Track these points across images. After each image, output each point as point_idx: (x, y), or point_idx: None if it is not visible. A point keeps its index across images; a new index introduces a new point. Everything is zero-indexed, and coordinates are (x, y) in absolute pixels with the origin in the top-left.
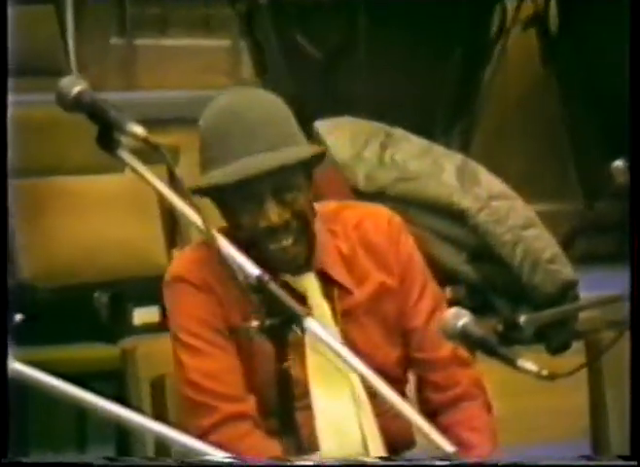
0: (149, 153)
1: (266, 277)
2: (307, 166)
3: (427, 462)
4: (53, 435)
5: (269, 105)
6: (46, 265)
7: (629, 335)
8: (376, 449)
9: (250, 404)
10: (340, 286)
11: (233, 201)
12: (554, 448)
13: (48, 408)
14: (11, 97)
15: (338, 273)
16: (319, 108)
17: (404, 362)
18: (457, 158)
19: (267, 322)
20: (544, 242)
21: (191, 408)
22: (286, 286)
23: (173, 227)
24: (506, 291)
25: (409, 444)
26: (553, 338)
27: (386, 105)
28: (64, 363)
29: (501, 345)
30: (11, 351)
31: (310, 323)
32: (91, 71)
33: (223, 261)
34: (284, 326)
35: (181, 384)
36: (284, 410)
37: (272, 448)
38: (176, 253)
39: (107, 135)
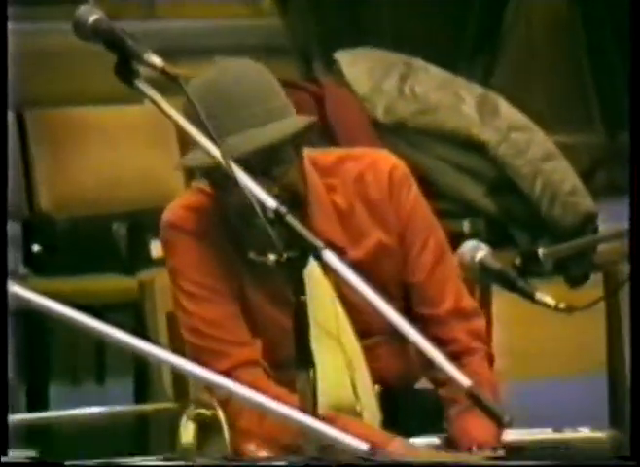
0: (167, 84)
1: (284, 210)
2: (297, 137)
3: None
4: (72, 367)
5: (253, 78)
6: (64, 196)
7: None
8: (372, 416)
9: (257, 350)
10: (336, 248)
11: (220, 181)
12: (572, 382)
13: (67, 340)
14: (28, 26)
15: (332, 233)
16: (340, 39)
17: (403, 315)
18: (477, 90)
19: (285, 255)
20: (563, 174)
21: (198, 355)
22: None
23: None
24: (525, 223)
25: (415, 380)
26: (572, 270)
27: (409, 36)
28: (82, 294)
29: (519, 278)
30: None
31: (328, 255)
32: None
33: (217, 204)
34: (302, 258)
35: (184, 331)
36: (301, 343)
37: (286, 395)
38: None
39: (125, 65)
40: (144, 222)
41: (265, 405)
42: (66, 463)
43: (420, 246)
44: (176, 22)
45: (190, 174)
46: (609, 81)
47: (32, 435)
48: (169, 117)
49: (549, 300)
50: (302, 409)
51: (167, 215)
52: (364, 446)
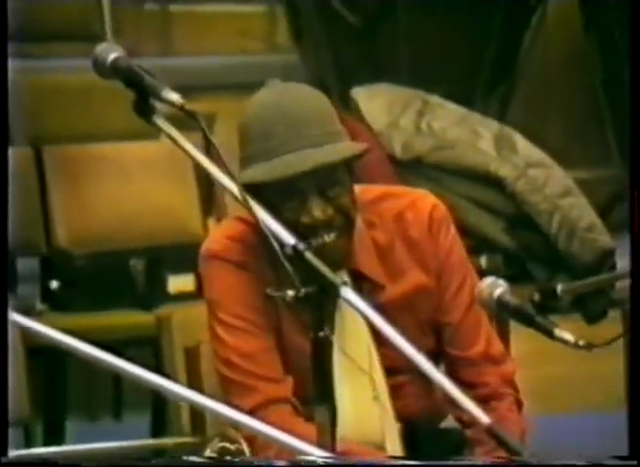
0: (185, 120)
1: (302, 246)
2: (350, 163)
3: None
4: (90, 401)
5: (313, 101)
6: (82, 231)
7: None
8: (395, 451)
9: (289, 386)
10: (372, 282)
11: (274, 198)
12: (592, 417)
13: (85, 375)
14: (46, 62)
15: (371, 269)
16: (356, 75)
17: (436, 354)
18: (494, 125)
19: (303, 291)
20: (581, 211)
21: (228, 387)
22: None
23: (209, 194)
24: (543, 259)
25: (440, 419)
26: (591, 306)
27: (425, 72)
28: (100, 329)
29: (538, 315)
30: (11, 303)
31: (346, 292)
32: (127, 37)
33: (259, 235)
34: (320, 294)
35: (217, 362)
36: (320, 378)
37: (312, 433)
38: (212, 226)
39: (143, 102)
40: (162, 257)
41: (285, 442)
42: (65, 464)
43: (457, 287)
44: (192, 59)
45: (207, 211)
46: (626, 113)
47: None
48: (187, 153)
49: (568, 336)
50: (320, 444)
51: (209, 244)
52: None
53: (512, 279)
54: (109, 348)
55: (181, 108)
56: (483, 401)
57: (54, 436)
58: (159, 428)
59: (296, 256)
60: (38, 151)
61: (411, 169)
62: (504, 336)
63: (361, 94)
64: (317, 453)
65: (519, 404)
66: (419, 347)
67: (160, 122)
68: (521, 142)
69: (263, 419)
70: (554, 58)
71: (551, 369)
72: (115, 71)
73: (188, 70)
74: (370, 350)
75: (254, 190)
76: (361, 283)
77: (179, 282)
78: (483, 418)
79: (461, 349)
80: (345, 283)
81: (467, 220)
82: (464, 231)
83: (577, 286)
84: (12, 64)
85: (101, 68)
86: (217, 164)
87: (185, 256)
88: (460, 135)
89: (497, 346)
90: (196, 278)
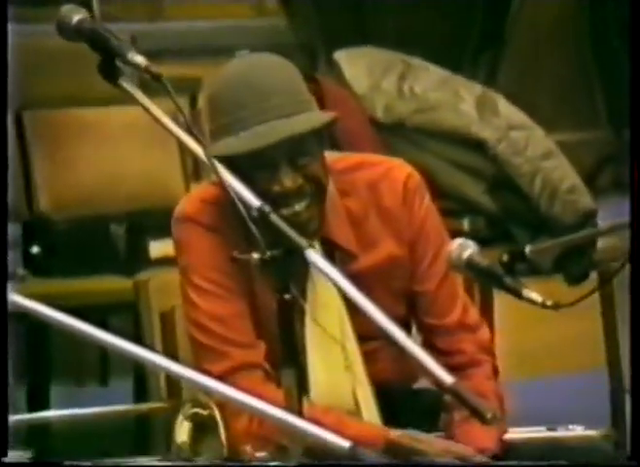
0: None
1: (268, 208)
2: (320, 132)
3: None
4: (76, 367)
5: (282, 71)
6: (63, 196)
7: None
8: (371, 417)
9: (260, 352)
10: (344, 251)
11: (245, 168)
12: (574, 379)
13: (71, 340)
14: (27, 27)
15: (343, 238)
16: (343, 40)
17: (407, 322)
18: (477, 88)
19: (269, 253)
20: (563, 172)
21: (200, 351)
22: None
23: (194, 160)
24: (525, 221)
25: (413, 381)
26: (572, 268)
27: (411, 37)
28: (80, 295)
29: (507, 276)
30: (10, 284)
31: (311, 254)
32: (116, 1)
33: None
34: (285, 257)
35: (190, 326)
36: (287, 341)
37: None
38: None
39: (109, 64)
40: (143, 223)
41: (255, 408)
42: (65, 463)
43: (432, 256)
44: (182, 23)
45: (188, 176)
46: (615, 77)
47: (31, 436)
48: (153, 116)
49: (535, 296)
50: (287, 407)
51: (182, 207)
52: (346, 443)
53: (493, 242)
54: (89, 314)
55: (146, 70)
56: (460, 368)
57: (38, 401)
58: (141, 393)
59: (261, 218)
60: (19, 116)
61: (394, 132)
62: (487, 302)
63: (343, 58)
64: (285, 417)
65: (496, 371)
66: (391, 316)
67: (127, 84)
68: (503, 105)
69: (233, 385)
70: (543, 23)
71: (534, 333)
72: (79, 33)
73: (177, 34)
74: (342, 318)
75: (225, 160)
76: (333, 252)
77: (160, 247)
78: (446, 378)
79: (437, 318)
80: (311, 245)
81: (449, 182)
82: (446, 193)
83: (545, 247)
84: None
85: (65, 30)
86: (223, 119)
87: (166, 221)
88: (442, 98)
89: (472, 314)
90: None
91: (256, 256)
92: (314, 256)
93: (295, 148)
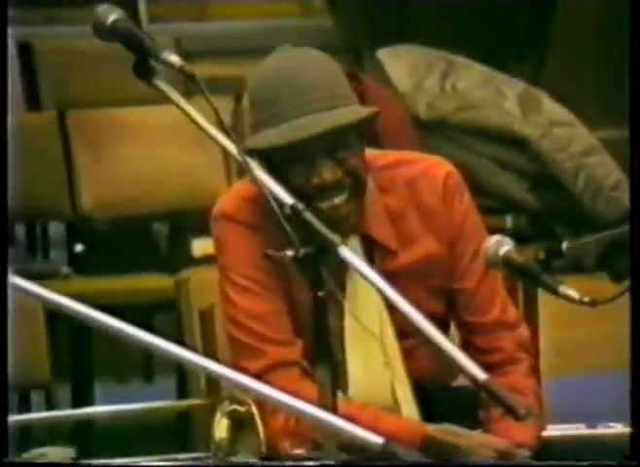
0: (218, 85)
1: (301, 206)
2: (361, 127)
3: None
4: (120, 364)
5: (322, 65)
6: (106, 196)
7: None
8: (409, 413)
9: (298, 349)
10: (383, 248)
11: (284, 162)
12: (603, 379)
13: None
14: (70, 28)
15: (383, 234)
16: (387, 39)
17: (444, 321)
18: (519, 85)
19: (302, 251)
20: (606, 169)
21: (238, 349)
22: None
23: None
24: (568, 219)
25: (451, 379)
26: (616, 265)
27: (456, 36)
28: (124, 293)
29: (543, 273)
30: (10, 267)
31: (345, 252)
32: (162, 2)
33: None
34: (319, 255)
35: (228, 324)
36: (320, 337)
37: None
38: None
39: (143, 64)
40: (185, 221)
41: (288, 405)
42: (68, 464)
43: (472, 254)
44: (228, 23)
45: (231, 175)
46: None
47: (75, 433)
48: (187, 115)
49: (572, 293)
50: (321, 404)
51: (221, 204)
52: (379, 439)
53: (536, 239)
54: (132, 312)
55: (180, 70)
56: (499, 366)
57: (82, 399)
58: (183, 391)
59: (295, 216)
60: (62, 115)
61: (436, 130)
62: (532, 301)
63: (386, 56)
64: (318, 414)
65: (534, 369)
66: (429, 313)
67: (161, 84)
68: (546, 101)
69: (270, 382)
70: (587, 20)
71: (578, 331)
72: (114, 33)
73: (222, 34)
74: (381, 315)
75: (265, 155)
76: (372, 249)
77: (202, 245)
78: (479, 375)
79: (476, 316)
80: (344, 242)
81: (491, 180)
82: (488, 191)
83: (581, 243)
84: (38, 30)
85: (100, 30)
86: (263, 112)
87: (208, 220)
88: (484, 95)
89: (512, 312)
90: None
91: (290, 253)
92: (347, 253)
93: (335, 141)
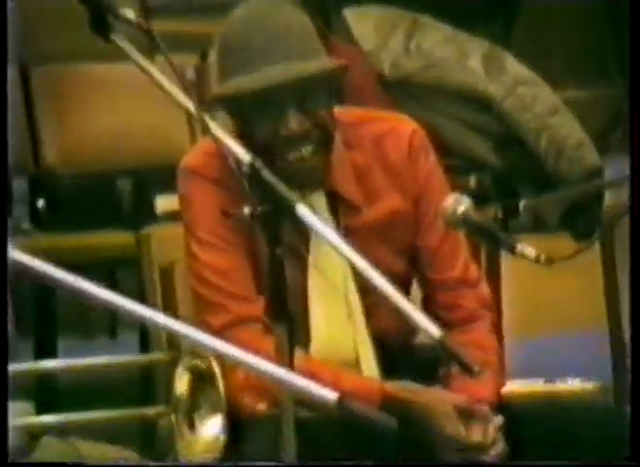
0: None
1: (259, 163)
2: (330, 82)
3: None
4: (84, 321)
5: (294, 16)
6: (69, 152)
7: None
8: (370, 370)
9: (260, 305)
10: (349, 204)
11: (253, 112)
12: (568, 338)
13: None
14: None
15: (349, 190)
16: None
17: (407, 278)
18: (484, 44)
19: (259, 209)
20: (569, 129)
21: (200, 304)
22: None
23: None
24: (532, 178)
25: (412, 335)
26: (578, 224)
27: None
28: (85, 250)
29: (501, 231)
30: (11, 241)
31: (302, 210)
32: None
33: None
34: (276, 212)
35: (192, 278)
36: (276, 295)
37: None
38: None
39: (100, 20)
40: (149, 178)
41: (244, 362)
42: (67, 463)
43: (435, 212)
44: None
45: (195, 131)
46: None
47: (37, 388)
48: (144, 71)
49: (529, 251)
50: (278, 361)
51: (188, 160)
52: (333, 395)
53: (501, 198)
54: (95, 269)
55: (137, 26)
56: (460, 323)
57: (46, 354)
58: (146, 345)
59: (252, 174)
60: (25, 71)
61: (400, 89)
62: (493, 259)
63: (352, 15)
64: (273, 371)
65: (495, 327)
66: (392, 271)
67: (119, 40)
68: (510, 61)
69: (232, 338)
70: None
71: (540, 290)
72: None
73: None
74: (345, 270)
75: (233, 105)
76: (338, 205)
77: (166, 202)
78: (435, 332)
79: (438, 272)
80: (300, 201)
81: (455, 140)
82: (452, 150)
83: (539, 202)
84: None
85: None
86: (234, 59)
87: (173, 176)
88: (448, 54)
89: (473, 270)
90: None
91: (246, 211)
92: (304, 211)
93: (304, 93)
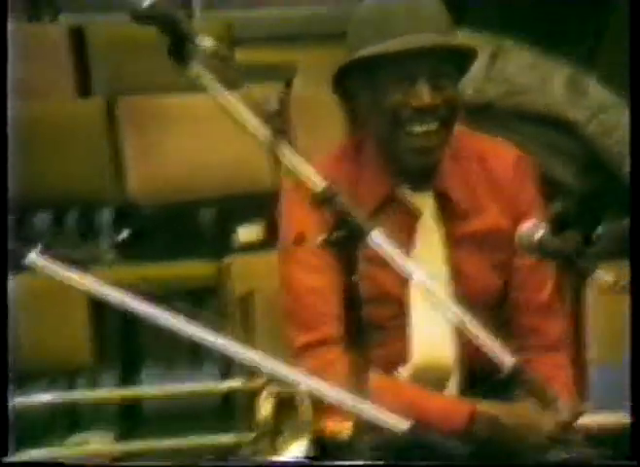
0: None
1: (334, 190)
2: (461, 62)
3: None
4: (167, 351)
5: (434, 3)
6: (153, 182)
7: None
8: (453, 385)
9: (342, 327)
10: (458, 211)
11: (385, 78)
12: None
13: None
14: (120, 16)
15: (457, 194)
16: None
17: (501, 296)
18: (566, 69)
19: (334, 235)
20: None
21: (290, 320)
22: (401, 203)
23: None
24: (615, 204)
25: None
26: None
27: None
28: (169, 279)
29: (579, 257)
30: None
31: (377, 237)
32: None
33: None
34: (350, 239)
35: (285, 295)
36: (351, 323)
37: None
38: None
39: (179, 48)
40: (232, 208)
41: (316, 390)
42: (67, 463)
43: None
44: (279, 10)
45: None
46: None
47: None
48: (222, 101)
49: (608, 278)
50: (353, 385)
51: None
52: (404, 424)
53: (584, 224)
54: (177, 299)
55: (214, 53)
56: (543, 350)
57: (128, 382)
58: (226, 374)
59: (326, 199)
60: (109, 102)
61: (482, 115)
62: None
63: None
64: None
65: (572, 361)
66: (487, 284)
67: (198, 69)
68: (593, 85)
69: (315, 357)
70: None
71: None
72: (150, 16)
73: (274, 21)
74: (445, 279)
75: (364, 74)
76: (448, 210)
77: (247, 232)
78: (507, 359)
79: (530, 292)
80: (375, 228)
81: (540, 165)
82: (538, 175)
83: (617, 228)
84: (90, 18)
85: (136, 13)
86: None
87: (254, 206)
88: (532, 80)
89: (558, 301)
90: (265, 228)
91: (322, 237)
92: (380, 238)
93: (436, 67)
